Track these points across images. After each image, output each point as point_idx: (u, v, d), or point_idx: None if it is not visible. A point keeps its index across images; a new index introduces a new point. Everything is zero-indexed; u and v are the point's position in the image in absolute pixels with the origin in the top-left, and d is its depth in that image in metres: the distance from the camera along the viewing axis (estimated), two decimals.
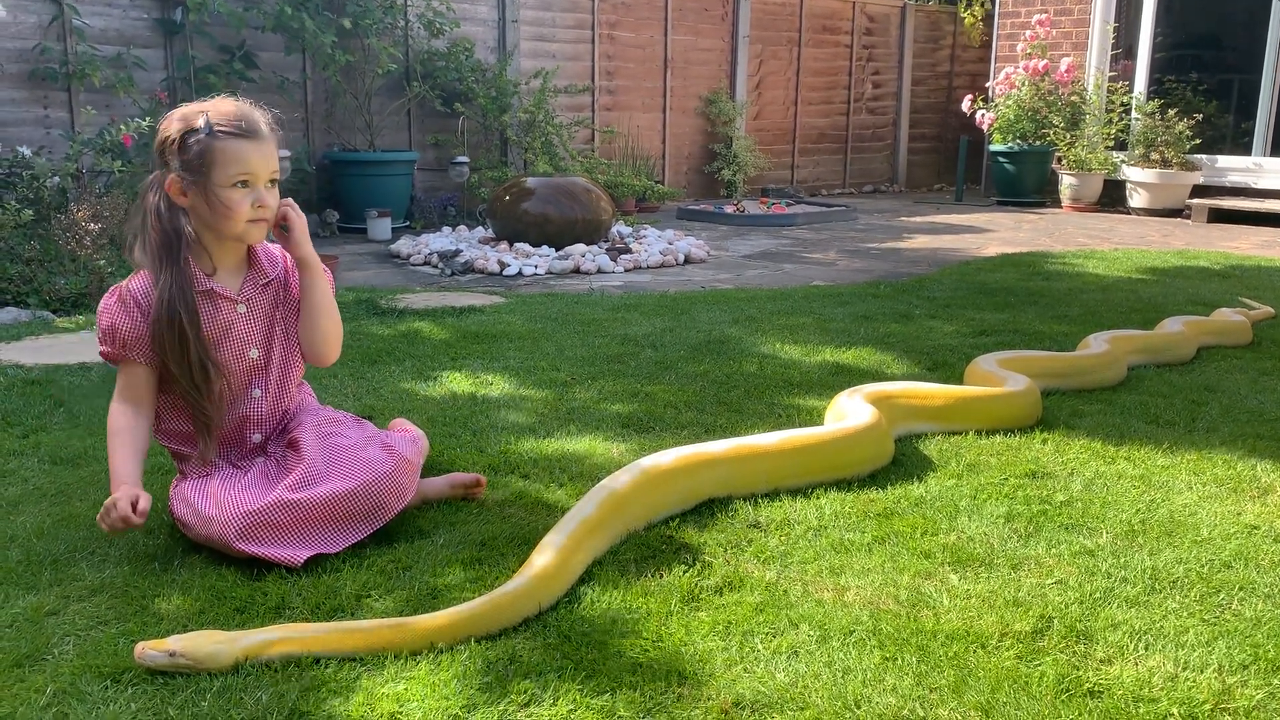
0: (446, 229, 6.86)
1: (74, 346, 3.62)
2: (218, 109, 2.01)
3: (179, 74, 6.45)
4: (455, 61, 7.51)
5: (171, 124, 2.01)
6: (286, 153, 6.53)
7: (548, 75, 7.97)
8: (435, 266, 5.67)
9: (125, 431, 2.02)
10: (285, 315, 2.17)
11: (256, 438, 2.16)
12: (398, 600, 1.79)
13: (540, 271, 5.54)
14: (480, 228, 6.85)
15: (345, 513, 1.97)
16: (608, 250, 6.01)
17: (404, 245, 6.11)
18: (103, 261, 4.63)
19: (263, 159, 2.01)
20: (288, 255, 2.19)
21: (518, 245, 6.00)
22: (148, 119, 5.62)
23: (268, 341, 2.14)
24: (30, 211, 4.84)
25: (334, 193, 7.12)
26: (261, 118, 2.04)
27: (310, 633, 1.62)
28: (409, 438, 2.22)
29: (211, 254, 2.07)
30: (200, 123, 1.98)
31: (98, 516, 1.92)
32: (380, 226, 6.80)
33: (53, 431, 2.68)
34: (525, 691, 1.52)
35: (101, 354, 2.06)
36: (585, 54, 8.82)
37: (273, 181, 2.05)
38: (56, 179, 5.13)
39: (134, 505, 1.89)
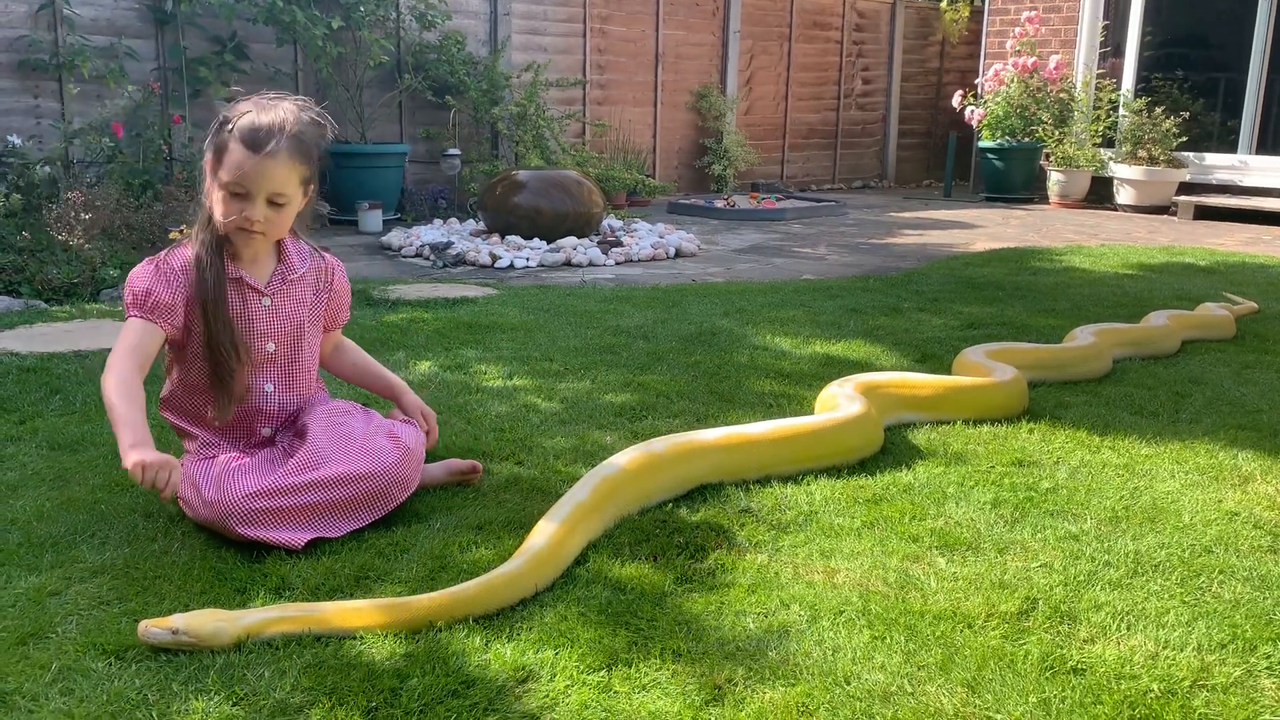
0: (438, 221, 6.88)
1: (68, 335, 3.63)
2: (260, 116, 2.00)
3: (170, 64, 6.44)
4: (447, 54, 7.52)
5: (230, 111, 2.04)
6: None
7: (539, 68, 7.99)
8: (427, 258, 5.68)
9: (137, 391, 1.93)
10: (309, 313, 2.19)
11: (266, 431, 2.18)
12: (396, 582, 1.82)
13: (532, 264, 5.56)
14: (471, 220, 6.87)
15: (348, 499, 2.00)
16: (599, 243, 6.04)
17: (395, 237, 6.13)
18: (94, 252, 4.63)
19: (261, 177, 1.99)
20: (325, 254, 2.24)
21: (509, 238, 6.02)
22: (140, 108, 5.62)
23: (285, 337, 2.16)
24: (21, 200, 4.84)
25: (325, 185, 7.13)
26: (289, 137, 2.00)
27: (311, 611, 1.65)
28: (413, 428, 2.24)
29: (232, 238, 2.09)
30: (230, 122, 2.00)
31: (138, 464, 1.80)
32: (371, 219, 6.81)
33: (49, 418, 2.70)
34: (523, 669, 1.55)
35: (129, 317, 2.05)
36: (576, 47, 8.84)
37: (274, 203, 2.03)
38: (48, 168, 5.13)
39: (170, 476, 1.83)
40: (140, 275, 2.06)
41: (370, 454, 2.05)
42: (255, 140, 1.98)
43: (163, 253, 2.11)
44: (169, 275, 2.06)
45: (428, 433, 2.29)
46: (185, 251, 2.09)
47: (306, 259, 2.21)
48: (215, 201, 2.04)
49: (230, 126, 2.01)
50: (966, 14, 11.00)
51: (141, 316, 2.03)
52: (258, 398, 2.14)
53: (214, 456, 2.08)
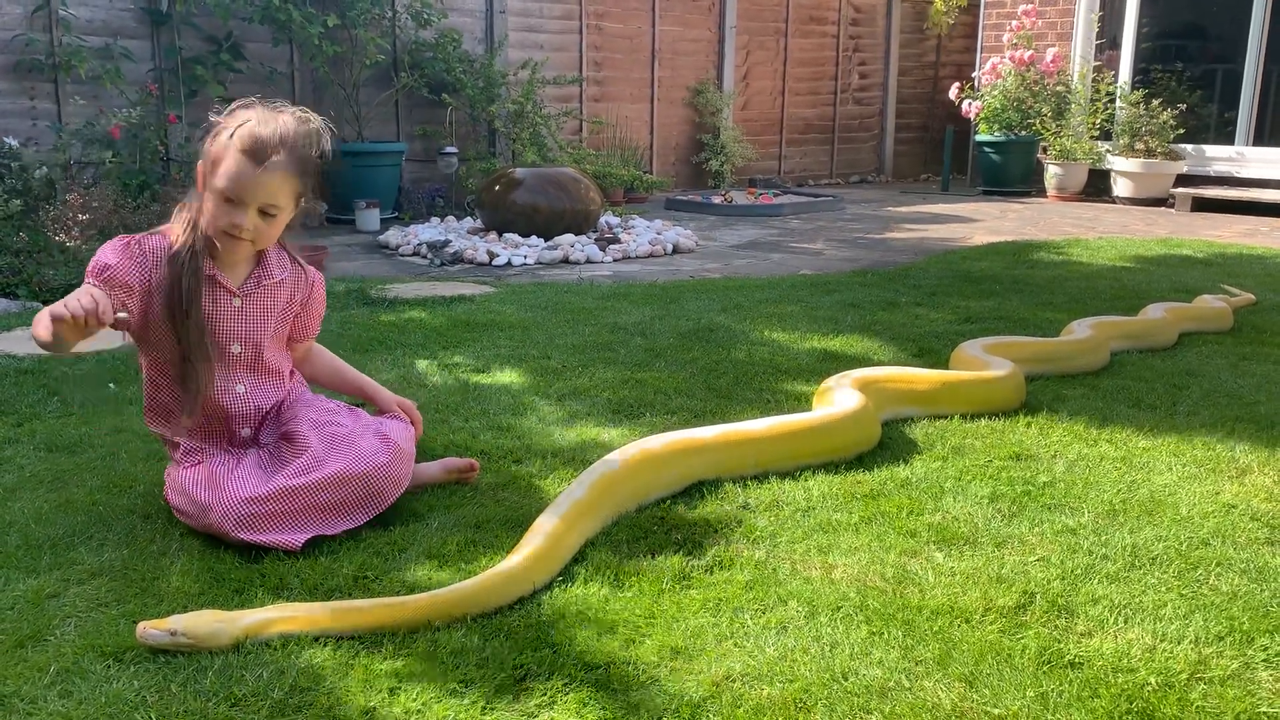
0: (435, 220, 6.87)
1: None
2: (262, 127, 1.99)
3: (166, 65, 6.43)
4: (443, 52, 7.51)
5: (230, 117, 2.02)
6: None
7: (536, 66, 7.98)
8: (424, 257, 5.68)
9: None
10: (277, 320, 2.18)
11: (246, 432, 2.17)
12: (394, 581, 1.82)
13: (529, 261, 5.56)
14: (469, 218, 6.86)
15: (341, 500, 2.00)
16: (596, 240, 6.03)
17: (393, 236, 6.13)
18: (91, 253, 4.62)
19: (257, 188, 1.99)
20: (307, 267, 2.24)
21: (506, 235, 6.02)
22: (137, 108, 5.62)
23: (254, 340, 2.14)
24: (18, 202, 4.84)
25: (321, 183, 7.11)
26: (289, 151, 1.99)
27: (309, 612, 1.65)
28: (402, 425, 2.24)
29: (217, 242, 2.07)
30: (230, 129, 1.99)
31: (51, 311, 1.78)
32: (369, 217, 6.81)
33: (47, 420, 2.70)
34: (521, 667, 1.55)
35: (86, 280, 2.02)
36: (573, 45, 8.83)
37: (266, 213, 2.03)
38: (44, 170, 5.12)
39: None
40: (108, 248, 2.04)
41: (361, 455, 2.05)
42: (255, 152, 1.97)
43: (142, 233, 2.09)
44: (137, 256, 2.03)
45: (413, 423, 2.29)
46: (164, 240, 2.06)
47: (287, 268, 2.19)
48: (206, 204, 2.03)
49: (231, 133, 1.99)
50: (957, 5, 10.93)
51: (94, 286, 1.99)
52: (231, 399, 2.13)
53: (200, 462, 2.08)
